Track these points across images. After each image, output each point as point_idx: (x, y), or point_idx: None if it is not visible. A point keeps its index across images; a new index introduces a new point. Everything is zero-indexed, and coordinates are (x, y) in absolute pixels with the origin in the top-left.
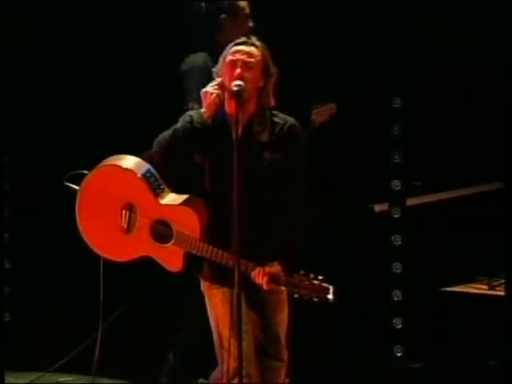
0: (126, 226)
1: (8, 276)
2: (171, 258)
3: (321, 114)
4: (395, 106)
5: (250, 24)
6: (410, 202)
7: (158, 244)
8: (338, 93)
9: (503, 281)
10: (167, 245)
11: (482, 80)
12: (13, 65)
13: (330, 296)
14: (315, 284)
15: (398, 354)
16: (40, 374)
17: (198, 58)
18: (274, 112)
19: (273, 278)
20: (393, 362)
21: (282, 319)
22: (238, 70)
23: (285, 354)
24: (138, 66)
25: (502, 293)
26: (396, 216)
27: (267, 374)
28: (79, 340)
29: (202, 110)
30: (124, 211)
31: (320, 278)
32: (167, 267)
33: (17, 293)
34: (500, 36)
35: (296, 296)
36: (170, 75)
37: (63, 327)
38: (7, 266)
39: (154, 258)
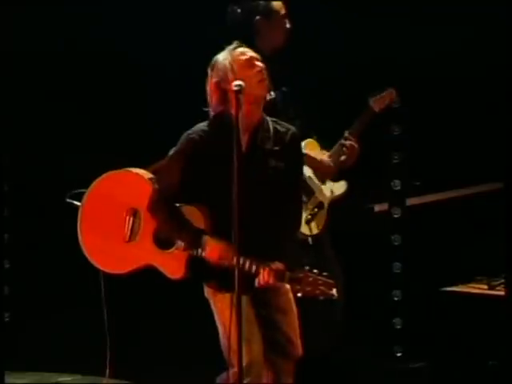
0: (128, 233)
1: (8, 276)
2: (173, 265)
3: (380, 101)
4: (395, 106)
5: (288, 26)
6: (410, 201)
7: (161, 250)
8: (338, 93)
9: (503, 281)
10: (170, 250)
11: (482, 80)
12: (13, 65)
13: (334, 292)
14: (319, 279)
15: (398, 354)
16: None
17: None
18: (274, 119)
19: (278, 275)
20: (393, 362)
21: (292, 318)
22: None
23: (300, 353)
24: (149, 67)
25: (502, 293)
26: (396, 216)
27: (282, 374)
28: (79, 340)
29: (203, 123)
30: (128, 217)
31: (324, 274)
32: (169, 275)
33: (16, 293)
34: (500, 37)
35: (299, 295)
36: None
37: (63, 327)
38: (7, 265)
39: (156, 265)
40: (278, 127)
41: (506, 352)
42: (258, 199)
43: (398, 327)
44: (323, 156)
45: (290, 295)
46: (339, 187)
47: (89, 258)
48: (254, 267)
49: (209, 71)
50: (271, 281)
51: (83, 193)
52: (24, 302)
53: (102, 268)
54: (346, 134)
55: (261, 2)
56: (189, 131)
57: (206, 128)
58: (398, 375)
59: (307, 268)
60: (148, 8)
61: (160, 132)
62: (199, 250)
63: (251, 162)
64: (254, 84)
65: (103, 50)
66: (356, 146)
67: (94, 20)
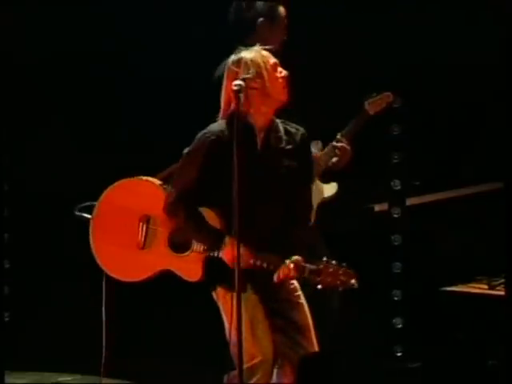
0: (143, 239)
1: (8, 276)
2: (190, 268)
3: (375, 104)
4: (395, 106)
5: (284, 37)
6: (410, 201)
7: (177, 254)
8: (338, 93)
9: (503, 280)
10: (186, 253)
11: (482, 80)
12: (14, 65)
13: (355, 282)
14: (340, 269)
15: (398, 354)
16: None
17: None
18: (282, 120)
19: (298, 268)
20: (393, 362)
21: (305, 313)
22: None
23: (315, 348)
24: (147, 68)
25: (502, 293)
26: (396, 216)
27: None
28: (79, 340)
29: (219, 123)
30: (141, 224)
31: (343, 264)
32: (186, 278)
33: (16, 293)
34: (500, 36)
35: (320, 287)
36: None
37: (63, 327)
38: (7, 265)
39: (172, 270)
40: (288, 127)
41: (505, 352)
42: (271, 198)
43: (398, 327)
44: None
45: (299, 292)
46: (329, 189)
47: (104, 268)
48: (272, 264)
49: (232, 68)
50: (291, 274)
51: (90, 206)
52: (24, 301)
53: (119, 278)
54: (339, 135)
55: (267, 4)
56: (205, 131)
57: (223, 128)
58: (397, 375)
59: (325, 259)
60: (149, 8)
61: (162, 134)
62: (218, 252)
63: (266, 161)
64: (280, 89)
65: (104, 51)
66: (348, 148)
67: (96, 20)
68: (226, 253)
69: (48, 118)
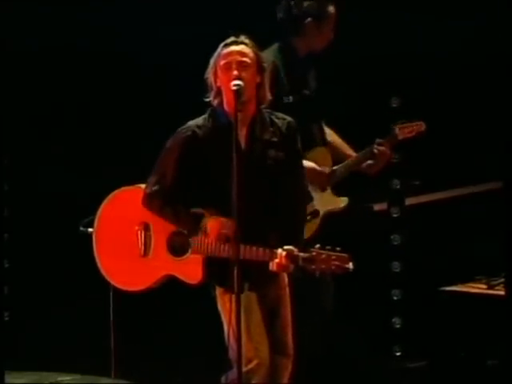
0: (142, 247)
1: (8, 276)
2: (191, 270)
3: (405, 130)
4: (394, 105)
5: (332, 36)
6: (409, 201)
7: (177, 258)
8: (337, 92)
9: (502, 280)
10: (186, 255)
11: (482, 80)
12: (14, 64)
13: (350, 265)
14: (332, 255)
15: (397, 354)
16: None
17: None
18: (269, 110)
19: (291, 258)
20: (392, 362)
21: (288, 314)
22: (235, 72)
23: (291, 349)
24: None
25: (501, 292)
26: (395, 215)
27: (275, 370)
28: (79, 339)
29: (201, 117)
30: (140, 232)
31: (337, 249)
32: (188, 281)
33: (16, 292)
34: (500, 37)
35: (317, 274)
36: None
37: (63, 327)
38: (6, 265)
39: (174, 274)
40: (275, 118)
41: (505, 351)
42: (259, 190)
43: (398, 327)
44: (324, 168)
45: (288, 290)
46: (339, 202)
47: (111, 281)
48: (266, 254)
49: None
50: (285, 263)
51: (94, 219)
52: (24, 301)
53: (125, 288)
54: (380, 140)
55: (316, 3)
56: (183, 126)
57: (201, 124)
58: (397, 375)
59: (318, 246)
60: (150, 7)
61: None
62: (201, 233)
63: (251, 155)
64: (227, 88)
65: (105, 51)
66: (388, 153)
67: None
68: (209, 228)
69: (48, 118)
